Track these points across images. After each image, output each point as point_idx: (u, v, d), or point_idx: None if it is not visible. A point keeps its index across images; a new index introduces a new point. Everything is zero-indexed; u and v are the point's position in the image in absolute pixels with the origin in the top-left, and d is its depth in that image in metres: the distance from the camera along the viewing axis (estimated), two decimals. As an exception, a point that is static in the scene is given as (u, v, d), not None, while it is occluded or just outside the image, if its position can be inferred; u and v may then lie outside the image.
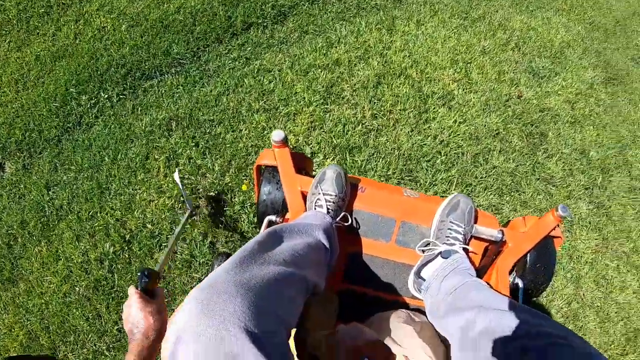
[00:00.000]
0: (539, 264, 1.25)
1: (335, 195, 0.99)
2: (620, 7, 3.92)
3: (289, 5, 2.15)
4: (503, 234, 1.07)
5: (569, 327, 1.68)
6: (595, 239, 1.94)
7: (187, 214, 1.27)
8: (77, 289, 1.48)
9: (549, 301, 1.80)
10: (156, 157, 1.65)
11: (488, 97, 1.97)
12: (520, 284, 1.12)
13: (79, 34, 2.13)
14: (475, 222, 1.11)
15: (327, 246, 0.89)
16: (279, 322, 0.56)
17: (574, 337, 0.64)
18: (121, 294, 1.47)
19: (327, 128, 1.64)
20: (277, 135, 1.07)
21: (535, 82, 2.23)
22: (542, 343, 0.63)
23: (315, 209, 0.99)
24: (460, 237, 1.01)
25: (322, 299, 0.97)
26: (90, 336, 1.41)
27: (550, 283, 1.83)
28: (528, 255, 1.24)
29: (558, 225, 1.29)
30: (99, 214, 1.57)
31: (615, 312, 1.79)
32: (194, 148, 1.64)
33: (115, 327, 1.41)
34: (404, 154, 1.63)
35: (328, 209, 0.97)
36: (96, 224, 1.54)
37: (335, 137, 1.60)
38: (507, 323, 0.70)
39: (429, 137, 1.71)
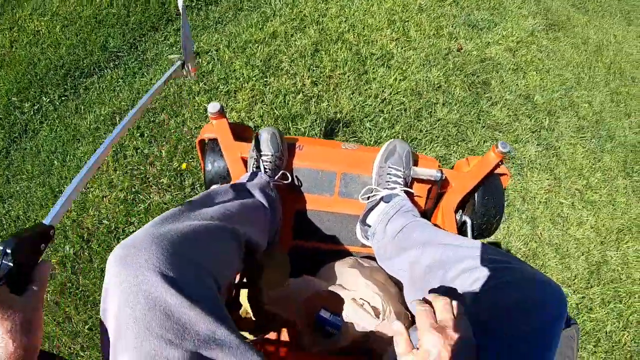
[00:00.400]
0: (488, 198, 1.29)
1: (272, 155, 1.02)
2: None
3: (222, -16, 2.13)
4: (442, 173, 1.09)
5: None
6: (547, 179, 1.99)
7: (177, 62, 1.13)
8: (45, 296, 1.48)
9: (507, 243, 1.85)
10: (104, 152, 1.64)
11: (428, 52, 2.01)
12: (468, 221, 1.16)
13: (14, 41, 2.07)
14: (416, 165, 1.13)
15: (265, 204, 0.90)
16: (202, 271, 0.56)
17: (521, 263, 0.65)
18: (87, 292, 1.47)
19: (268, 101, 1.65)
20: (212, 107, 1.09)
21: (474, 34, 2.27)
22: (487, 267, 0.64)
23: (253, 170, 1.00)
24: (400, 180, 1.04)
25: (272, 259, 0.99)
26: (63, 340, 1.42)
27: (505, 224, 1.89)
28: (476, 194, 1.29)
29: (502, 163, 1.33)
30: (55, 217, 1.56)
31: (575, 248, 1.84)
32: (139, 138, 1.63)
33: (86, 327, 1.42)
34: (346, 117, 1.66)
35: (265, 168, 1.00)
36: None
37: (277, 108, 1.62)
38: (453, 255, 0.72)
39: (371, 97, 1.74)
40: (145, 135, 1.64)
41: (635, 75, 3.21)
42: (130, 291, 0.48)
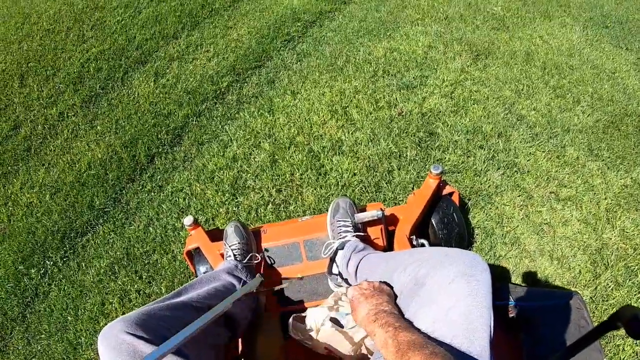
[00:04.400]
0: (443, 218, 1.47)
1: (239, 243, 1.27)
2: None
3: (180, 125, 2.48)
4: (382, 211, 1.30)
5: (526, 283, 1.80)
6: (519, 196, 2.09)
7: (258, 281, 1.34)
8: None
9: (498, 270, 1.88)
10: (110, 300, 1.86)
11: (372, 127, 2.29)
12: (426, 243, 1.35)
13: (11, 215, 2.35)
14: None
15: (235, 283, 1.14)
16: (162, 329, 0.81)
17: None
18: None
19: (242, 218, 1.91)
20: (187, 220, 1.42)
21: (411, 94, 2.58)
22: (414, 262, 0.84)
23: (226, 259, 1.26)
24: (349, 228, 1.26)
25: (263, 326, 1.20)
26: None
27: (491, 253, 1.92)
28: (432, 218, 1.47)
29: (445, 183, 1.52)
30: (78, 369, 1.72)
31: (569, 247, 1.88)
32: (139, 281, 1.85)
33: None
34: (314, 211, 1.90)
35: (235, 255, 1.25)
36: (78, 380, 1.69)
37: (252, 222, 1.87)
38: (394, 263, 0.93)
39: (332, 186, 2.00)
40: (144, 277, 1.86)
41: (572, 63, 3.45)
42: (107, 341, 0.77)
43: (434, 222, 1.48)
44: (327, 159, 2.12)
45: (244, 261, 1.24)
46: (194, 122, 2.53)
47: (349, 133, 2.28)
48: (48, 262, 2.07)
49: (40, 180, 2.39)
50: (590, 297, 1.67)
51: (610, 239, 1.92)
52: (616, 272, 1.77)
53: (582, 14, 4.97)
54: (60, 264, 2.06)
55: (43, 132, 2.62)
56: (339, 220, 1.28)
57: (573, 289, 1.75)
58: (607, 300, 1.65)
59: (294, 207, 1.93)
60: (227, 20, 3.67)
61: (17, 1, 3.99)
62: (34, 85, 2.91)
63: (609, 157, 2.39)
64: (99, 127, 2.56)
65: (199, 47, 3.22)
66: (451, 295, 0.70)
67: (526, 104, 2.70)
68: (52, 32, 3.46)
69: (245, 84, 2.82)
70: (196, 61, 3.06)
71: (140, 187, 2.21)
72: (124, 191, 2.22)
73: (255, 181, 2.06)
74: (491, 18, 3.89)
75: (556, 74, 3.18)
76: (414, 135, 2.31)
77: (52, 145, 2.53)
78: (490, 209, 2.05)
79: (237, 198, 2.01)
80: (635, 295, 1.65)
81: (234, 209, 1.96)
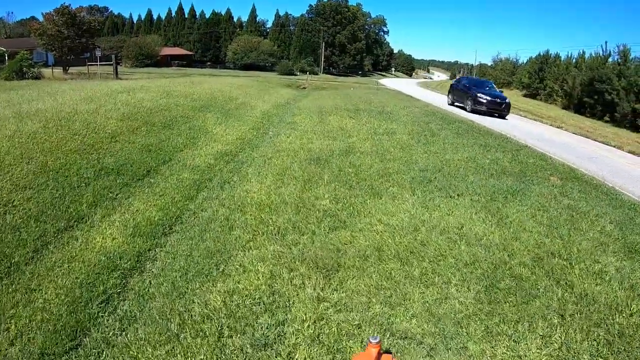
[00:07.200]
0: None
1: None
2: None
3: None
4: None
5: None
6: None
7: None
8: None
9: None
10: None
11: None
12: None
13: None
14: None
15: None
16: None
17: None
18: None
19: None
20: None
21: (272, 355, 2.30)
22: None
23: None
24: None
25: None
26: None
27: None
28: None
29: (384, 351, 1.73)
30: None
31: None
32: None
33: None
34: None
35: None
36: None
37: None
38: None
39: None
40: None
41: (420, 237, 3.74)
42: None
43: None
44: None
45: None
46: None
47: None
48: None
49: None
50: None
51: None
52: None
53: (403, 177, 5.93)
54: None
55: None
56: None
57: None
58: None
59: None
60: (29, 279, 3.22)
61: None
62: None
63: (513, 328, 2.54)
64: None
65: (-5, 326, 2.63)
66: None
67: (400, 313, 2.63)
68: None
69: (61, 379, 2.29)
70: (-6, 350, 2.41)
71: None
72: None
73: None
74: (324, 216, 4.14)
75: (414, 259, 3.32)
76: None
77: None
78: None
79: None
80: None
81: None
